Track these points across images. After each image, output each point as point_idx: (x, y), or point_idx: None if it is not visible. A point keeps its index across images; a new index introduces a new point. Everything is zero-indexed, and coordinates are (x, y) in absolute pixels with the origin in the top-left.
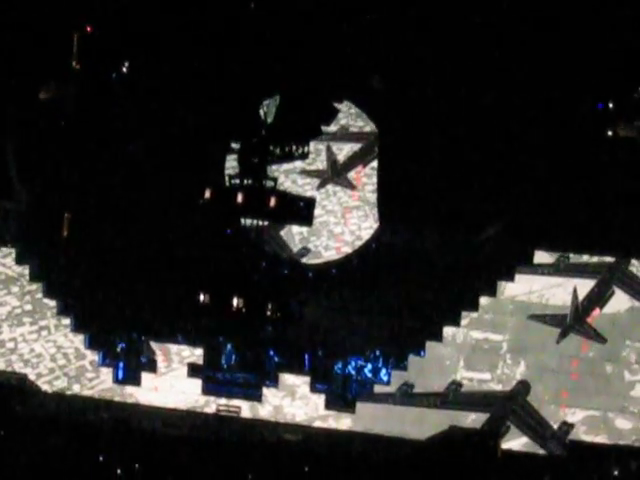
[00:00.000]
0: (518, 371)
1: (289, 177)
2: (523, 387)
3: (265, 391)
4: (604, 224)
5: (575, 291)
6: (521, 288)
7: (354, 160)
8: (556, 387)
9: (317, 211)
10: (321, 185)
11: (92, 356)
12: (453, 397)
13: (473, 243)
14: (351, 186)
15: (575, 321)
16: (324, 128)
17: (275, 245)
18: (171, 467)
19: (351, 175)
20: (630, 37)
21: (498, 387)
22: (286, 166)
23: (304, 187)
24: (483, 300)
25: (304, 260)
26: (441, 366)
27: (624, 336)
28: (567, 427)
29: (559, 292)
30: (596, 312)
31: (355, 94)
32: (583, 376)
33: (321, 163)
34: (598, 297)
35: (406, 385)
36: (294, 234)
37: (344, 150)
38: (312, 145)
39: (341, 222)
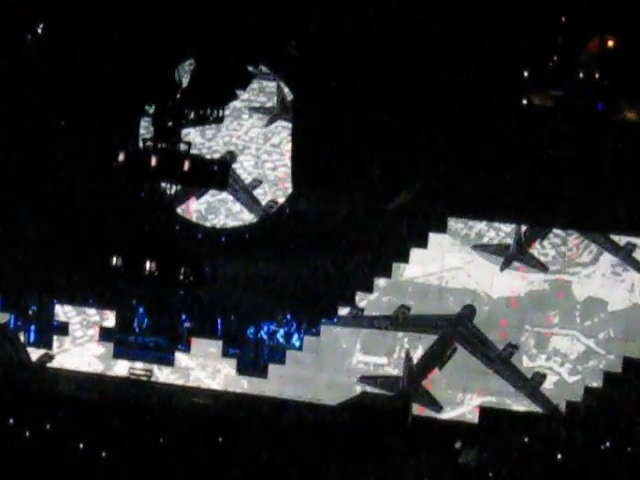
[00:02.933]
0: (415, 355)
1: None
2: (469, 310)
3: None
4: (517, 191)
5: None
6: (420, 270)
7: None
8: (454, 371)
9: (214, 190)
10: (270, 122)
11: None
12: (402, 320)
13: (386, 210)
14: None
15: (518, 250)
16: None
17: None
18: (82, 430)
19: None
20: (545, 8)
21: (394, 372)
22: (235, 103)
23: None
24: (381, 282)
25: (255, 192)
26: (337, 349)
27: (523, 321)
28: (512, 348)
29: (459, 274)
30: (536, 244)
31: (271, 59)
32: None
33: (270, 100)
34: (538, 231)
35: (356, 309)
36: (192, 211)
37: None
38: (261, 82)
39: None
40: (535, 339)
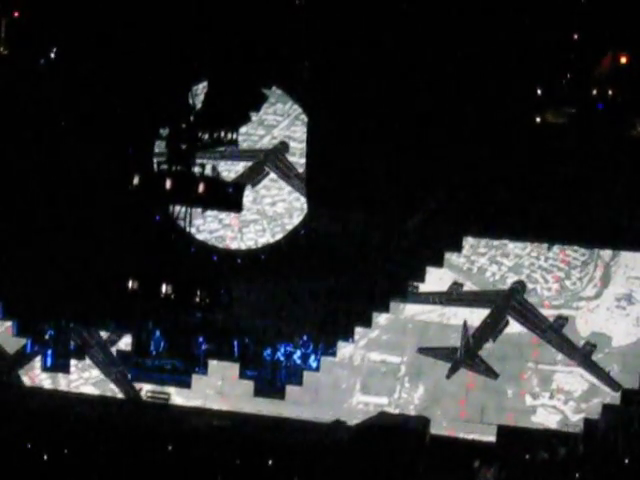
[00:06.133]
0: (416, 395)
1: None
2: (520, 285)
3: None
4: (534, 210)
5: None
6: (420, 307)
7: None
8: (455, 412)
9: (214, 225)
10: None
11: None
12: (456, 295)
13: (402, 229)
14: None
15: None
16: None
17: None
18: (99, 453)
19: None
20: (558, 26)
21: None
22: None
23: None
24: (381, 320)
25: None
26: (336, 390)
27: (526, 358)
28: (562, 320)
29: (460, 311)
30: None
31: (284, 81)
32: (483, 401)
33: None
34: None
35: (412, 285)
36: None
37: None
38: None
39: (237, 237)
40: (538, 376)
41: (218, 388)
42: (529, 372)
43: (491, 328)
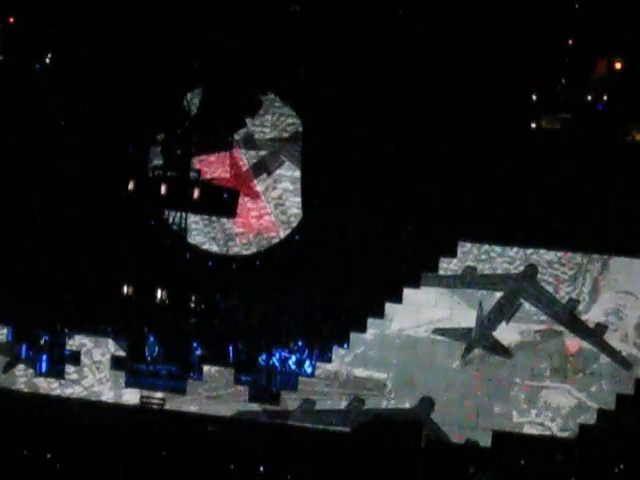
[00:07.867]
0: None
1: None
2: (532, 269)
3: None
4: (528, 216)
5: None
6: (408, 322)
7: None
8: (443, 429)
9: (199, 238)
10: None
11: None
12: (469, 279)
13: (397, 233)
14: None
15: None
16: None
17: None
18: (94, 460)
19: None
20: (553, 29)
21: None
22: None
23: None
24: (367, 335)
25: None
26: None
27: (513, 373)
28: (574, 302)
29: (449, 325)
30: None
31: (280, 86)
32: (471, 418)
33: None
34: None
35: (429, 272)
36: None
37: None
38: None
39: (223, 250)
40: (525, 393)
41: (212, 394)
42: (515, 388)
43: (505, 310)
